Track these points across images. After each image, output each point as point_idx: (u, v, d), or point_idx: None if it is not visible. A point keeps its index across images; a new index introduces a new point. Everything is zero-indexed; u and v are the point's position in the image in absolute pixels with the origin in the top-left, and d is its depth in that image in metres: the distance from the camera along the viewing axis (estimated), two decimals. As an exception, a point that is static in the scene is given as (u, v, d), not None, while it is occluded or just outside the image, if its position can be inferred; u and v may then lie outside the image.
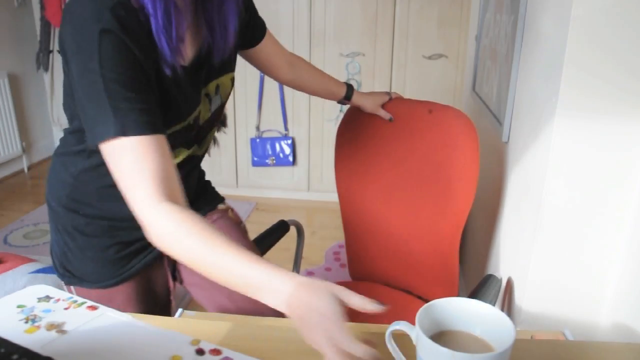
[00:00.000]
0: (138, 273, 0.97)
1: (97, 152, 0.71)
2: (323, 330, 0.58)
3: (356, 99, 1.28)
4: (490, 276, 1.24)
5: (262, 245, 1.23)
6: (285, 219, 1.36)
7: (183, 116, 0.83)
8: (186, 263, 0.68)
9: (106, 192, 0.85)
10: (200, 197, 1.12)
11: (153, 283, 1.03)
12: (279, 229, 1.27)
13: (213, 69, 0.90)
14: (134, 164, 0.67)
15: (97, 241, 0.92)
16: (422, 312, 0.65)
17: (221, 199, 1.18)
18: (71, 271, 0.94)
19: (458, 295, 1.29)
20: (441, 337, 0.66)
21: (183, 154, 0.93)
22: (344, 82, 1.26)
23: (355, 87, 3.13)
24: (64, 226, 0.92)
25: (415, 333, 0.63)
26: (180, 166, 0.88)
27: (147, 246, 0.96)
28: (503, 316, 0.65)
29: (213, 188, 1.21)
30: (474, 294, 1.12)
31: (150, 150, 0.67)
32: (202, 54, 0.85)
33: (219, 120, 1.03)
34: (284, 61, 1.16)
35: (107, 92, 0.65)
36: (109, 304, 0.81)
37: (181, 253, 0.67)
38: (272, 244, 1.22)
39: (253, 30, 1.05)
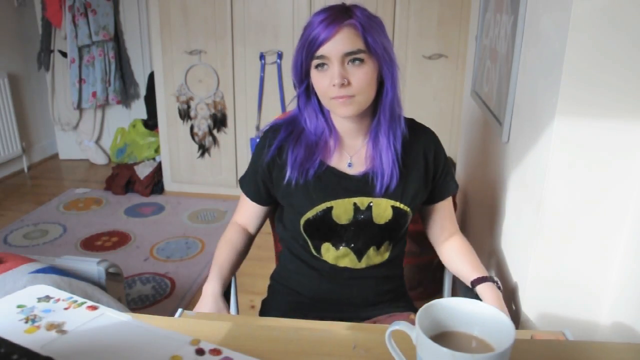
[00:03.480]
0: None
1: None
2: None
3: (481, 292, 1.08)
4: None
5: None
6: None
7: (309, 206, 1.08)
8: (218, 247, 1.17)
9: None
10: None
11: None
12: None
13: (363, 186, 1.07)
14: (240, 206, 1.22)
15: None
16: (422, 312, 0.65)
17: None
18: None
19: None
20: (441, 337, 0.65)
21: (331, 252, 1.12)
22: (483, 275, 1.09)
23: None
24: None
25: (415, 333, 0.63)
26: (348, 273, 1.13)
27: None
28: (503, 316, 0.65)
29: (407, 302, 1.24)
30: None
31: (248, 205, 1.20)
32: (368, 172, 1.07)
33: (374, 242, 1.12)
34: (446, 234, 1.20)
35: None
36: None
37: (219, 242, 1.18)
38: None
39: (434, 189, 1.14)
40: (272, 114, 3.16)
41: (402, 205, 1.08)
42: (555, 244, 1.08)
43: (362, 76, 0.97)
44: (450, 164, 1.16)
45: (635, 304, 0.96)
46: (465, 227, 2.18)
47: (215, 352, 0.68)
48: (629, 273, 1.00)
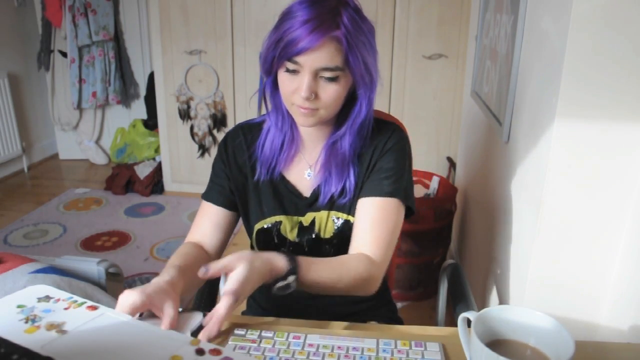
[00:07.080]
0: None
1: None
2: None
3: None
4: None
5: None
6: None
7: (260, 217, 1.05)
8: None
9: None
10: None
11: None
12: None
13: (313, 203, 1.03)
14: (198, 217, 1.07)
15: None
16: (477, 320, 0.64)
17: None
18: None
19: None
20: (495, 344, 0.65)
21: None
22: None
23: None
24: None
25: (471, 337, 0.62)
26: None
27: None
28: (563, 329, 0.64)
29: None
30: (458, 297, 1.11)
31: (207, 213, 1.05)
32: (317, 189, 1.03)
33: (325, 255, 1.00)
34: (358, 246, 0.97)
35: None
36: None
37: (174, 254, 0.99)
38: None
39: (366, 183, 1.00)
40: (272, 114, 3.16)
41: (347, 216, 1.02)
42: (555, 243, 1.08)
43: (332, 93, 0.90)
44: (404, 170, 1.00)
45: (635, 304, 0.96)
46: (465, 227, 2.18)
47: (215, 352, 0.68)
48: (628, 273, 1.00)
